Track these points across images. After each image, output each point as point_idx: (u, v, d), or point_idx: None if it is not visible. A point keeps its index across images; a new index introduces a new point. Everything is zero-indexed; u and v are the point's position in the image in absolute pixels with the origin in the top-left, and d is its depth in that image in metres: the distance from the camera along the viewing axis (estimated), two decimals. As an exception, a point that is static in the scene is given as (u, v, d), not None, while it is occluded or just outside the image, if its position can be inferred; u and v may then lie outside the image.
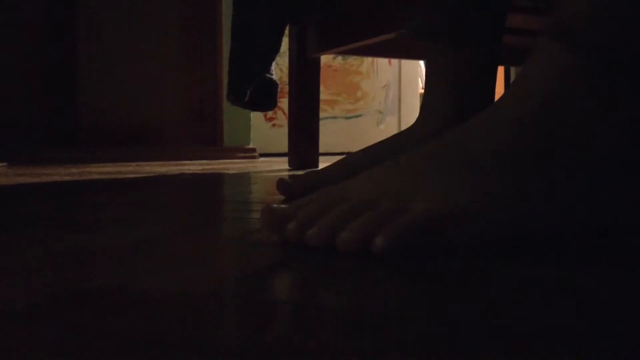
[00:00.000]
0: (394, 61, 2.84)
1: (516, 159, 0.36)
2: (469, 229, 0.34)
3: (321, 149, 1.36)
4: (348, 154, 0.70)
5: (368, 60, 2.78)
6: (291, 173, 1.16)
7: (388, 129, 2.85)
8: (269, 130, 2.50)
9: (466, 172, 0.36)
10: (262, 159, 2.04)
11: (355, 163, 0.66)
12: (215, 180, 0.97)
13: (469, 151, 0.37)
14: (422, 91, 3.11)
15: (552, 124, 0.37)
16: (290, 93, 1.36)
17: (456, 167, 0.36)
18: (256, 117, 2.39)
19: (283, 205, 0.38)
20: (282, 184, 0.66)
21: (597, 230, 0.37)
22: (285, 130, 2.48)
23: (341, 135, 2.72)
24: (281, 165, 1.49)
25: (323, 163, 1.40)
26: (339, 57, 2.67)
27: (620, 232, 0.37)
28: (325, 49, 1.23)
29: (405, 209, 0.34)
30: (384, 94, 2.85)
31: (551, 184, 0.35)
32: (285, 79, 2.32)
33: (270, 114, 2.46)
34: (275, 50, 1.24)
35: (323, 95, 2.62)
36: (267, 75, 1.26)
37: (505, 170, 0.36)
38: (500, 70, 1.72)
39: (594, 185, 0.36)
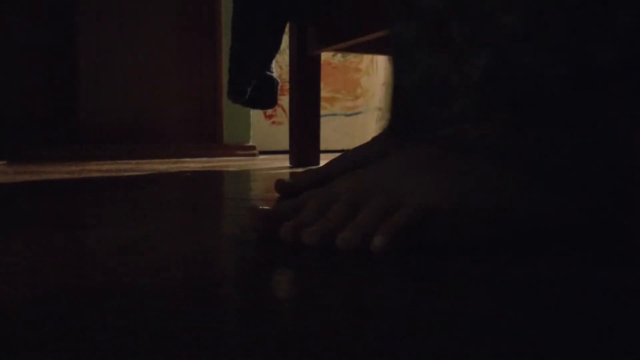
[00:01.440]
0: (394, 58, 2.84)
1: (500, 158, 0.37)
2: (461, 222, 0.34)
3: (321, 147, 1.36)
4: (347, 151, 0.70)
5: (368, 57, 2.77)
6: (292, 171, 1.16)
7: (388, 126, 2.84)
8: (268, 127, 2.49)
9: (453, 171, 0.37)
10: (261, 156, 2.04)
11: (355, 160, 0.65)
12: (215, 177, 0.97)
13: (456, 150, 0.38)
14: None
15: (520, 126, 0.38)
16: (290, 90, 1.36)
17: (444, 165, 0.37)
18: (256, 114, 2.39)
19: (267, 207, 0.38)
20: (283, 185, 0.63)
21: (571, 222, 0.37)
22: (284, 128, 2.48)
23: (341, 132, 2.72)
24: (281, 163, 1.49)
25: (323, 160, 1.40)
26: (339, 55, 2.66)
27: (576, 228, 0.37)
28: (325, 46, 1.23)
29: (398, 204, 0.35)
30: (383, 92, 2.85)
31: (528, 181, 0.36)
32: (285, 76, 2.32)
33: (270, 111, 2.46)
34: (276, 48, 1.24)
35: (323, 93, 2.62)
36: (267, 73, 1.25)
37: (489, 168, 0.36)
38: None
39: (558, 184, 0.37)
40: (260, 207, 0.38)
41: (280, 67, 2.32)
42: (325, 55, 2.59)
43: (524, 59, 0.38)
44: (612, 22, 0.36)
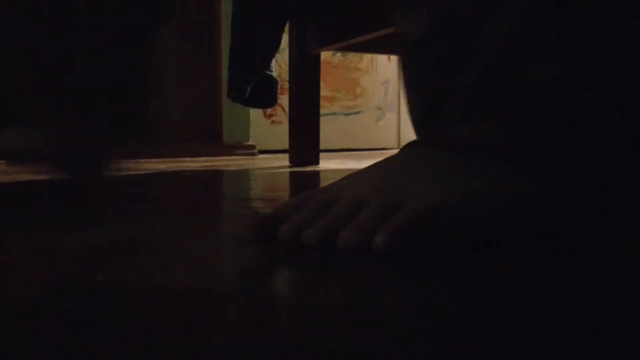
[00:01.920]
0: (394, 57, 2.84)
1: (499, 158, 0.37)
2: (461, 222, 0.34)
3: (320, 146, 1.36)
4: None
5: (367, 56, 2.77)
6: (292, 170, 1.16)
7: (387, 125, 2.85)
8: (268, 127, 2.49)
9: (453, 171, 0.37)
10: (261, 155, 2.04)
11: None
12: (215, 177, 0.97)
13: (455, 151, 0.38)
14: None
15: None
16: (290, 90, 1.36)
17: (444, 166, 0.37)
18: (255, 113, 2.38)
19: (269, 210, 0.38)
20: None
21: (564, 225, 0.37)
22: (284, 127, 2.47)
23: (341, 131, 2.72)
24: (281, 162, 1.49)
25: (323, 160, 1.40)
26: (338, 54, 2.66)
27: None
28: (326, 45, 1.23)
29: (399, 205, 0.35)
30: (383, 91, 2.85)
31: (528, 180, 0.36)
32: (285, 75, 2.31)
33: (269, 110, 2.46)
34: (276, 46, 1.24)
35: (322, 92, 2.60)
36: (267, 72, 1.25)
37: (488, 168, 0.36)
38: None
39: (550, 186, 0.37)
40: (262, 211, 0.38)
41: (280, 66, 2.31)
42: (324, 55, 2.58)
43: (519, 63, 0.38)
44: (601, 23, 0.36)
